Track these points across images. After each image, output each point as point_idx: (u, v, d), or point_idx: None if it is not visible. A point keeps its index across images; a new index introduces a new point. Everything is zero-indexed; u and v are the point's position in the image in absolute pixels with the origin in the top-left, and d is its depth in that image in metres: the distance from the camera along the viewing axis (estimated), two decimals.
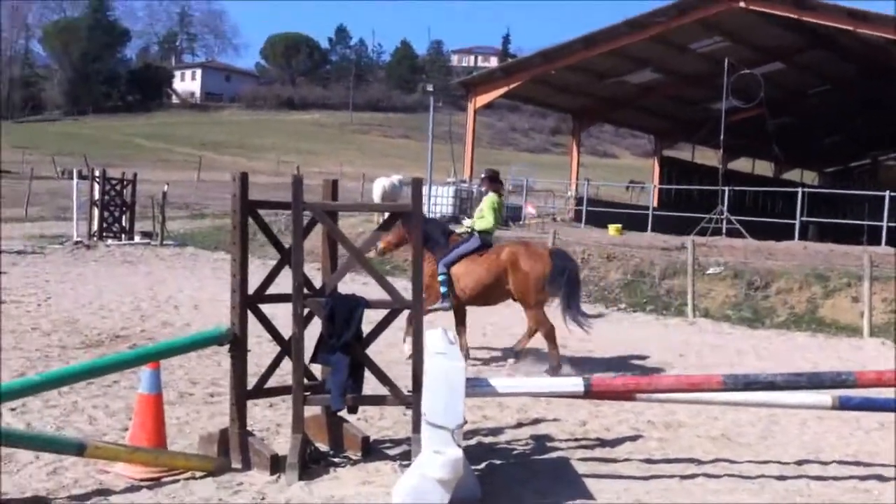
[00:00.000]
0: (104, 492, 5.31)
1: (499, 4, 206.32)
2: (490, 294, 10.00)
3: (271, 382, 6.41)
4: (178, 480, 5.56)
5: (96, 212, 21.32)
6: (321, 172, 61.22)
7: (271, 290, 6.39)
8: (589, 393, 5.36)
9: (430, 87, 26.10)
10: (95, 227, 21.23)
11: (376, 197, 22.97)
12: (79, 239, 20.75)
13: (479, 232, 10.12)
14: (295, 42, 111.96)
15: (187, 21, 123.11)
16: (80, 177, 25.16)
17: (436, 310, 9.96)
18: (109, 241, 20.90)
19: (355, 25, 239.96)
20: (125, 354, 5.67)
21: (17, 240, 21.68)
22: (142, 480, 5.50)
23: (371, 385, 6.31)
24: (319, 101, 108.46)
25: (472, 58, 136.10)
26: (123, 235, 21.43)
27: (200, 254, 20.44)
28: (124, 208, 21.67)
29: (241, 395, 5.98)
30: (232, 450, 5.91)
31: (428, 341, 5.75)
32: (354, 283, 12.54)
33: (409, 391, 6.03)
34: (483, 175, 10.98)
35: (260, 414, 7.36)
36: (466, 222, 10.70)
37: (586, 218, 27.61)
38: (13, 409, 6.88)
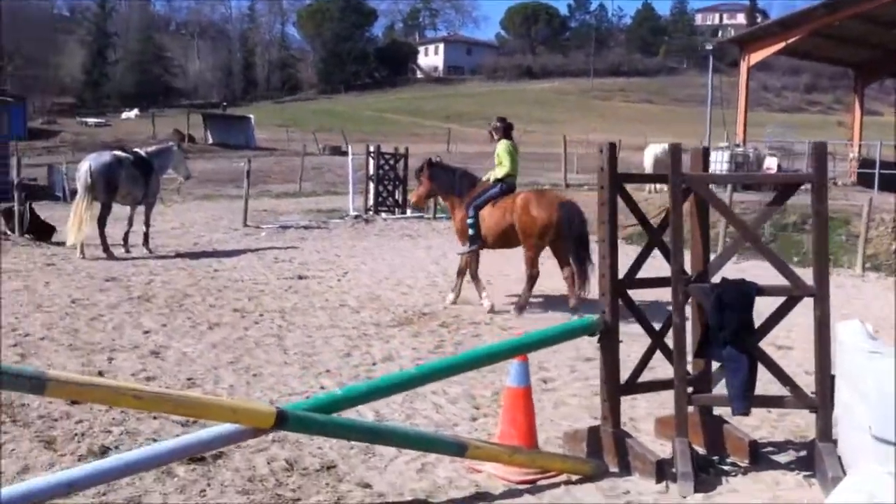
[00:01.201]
0: (484, 496, 4.89)
1: None
2: (507, 236, 10.61)
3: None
4: (557, 485, 5.06)
5: (371, 186, 21.75)
6: (569, 141, 60.64)
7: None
8: None
9: (708, 46, 24.46)
10: (371, 201, 21.67)
11: (648, 166, 21.99)
12: (356, 213, 21.27)
13: (502, 178, 10.71)
14: (534, 11, 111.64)
15: None
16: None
17: (467, 252, 10.80)
18: (384, 215, 21.27)
19: None
20: (494, 346, 5.25)
21: (296, 214, 22.62)
22: (518, 483, 5.04)
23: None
24: (559, 69, 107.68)
25: (717, 16, 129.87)
26: (397, 209, 21.74)
27: None
28: (397, 182, 21.98)
29: (614, 390, 5.39)
30: (605, 451, 5.33)
31: (843, 335, 4.87)
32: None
33: (812, 393, 5.19)
34: (495, 124, 11.17)
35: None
36: (490, 175, 11.03)
37: (868, 181, 25.06)
38: None
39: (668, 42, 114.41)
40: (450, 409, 6.64)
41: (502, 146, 10.83)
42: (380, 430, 4.46)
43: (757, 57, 25.90)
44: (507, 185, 10.72)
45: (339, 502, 4.71)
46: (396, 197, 21.96)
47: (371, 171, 21.84)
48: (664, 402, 6.63)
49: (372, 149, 22.26)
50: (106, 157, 14.20)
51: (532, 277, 10.43)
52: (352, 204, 22.15)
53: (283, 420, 4.21)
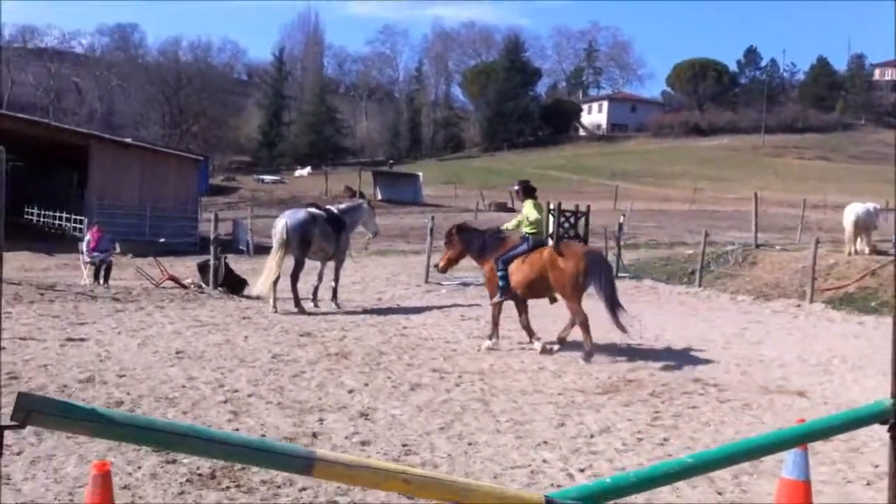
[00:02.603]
0: None
1: None
2: (535, 287, 11.29)
3: None
4: None
5: (551, 243, 21.28)
6: (737, 199, 58.45)
7: None
8: None
9: None
10: None
11: (848, 224, 20.57)
12: None
13: (530, 234, 11.42)
14: (702, 67, 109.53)
15: (594, 56, 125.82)
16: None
17: (498, 301, 11.42)
18: None
19: (766, 46, 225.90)
20: (774, 435, 4.62)
21: (472, 270, 22.32)
22: None
23: None
24: (728, 126, 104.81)
25: None
26: None
27: (659, 287, 19.52)
28: (579, 240, 21.39)
29: None
30: None
31: None
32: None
33: None
34: (517, 188, 12.12)
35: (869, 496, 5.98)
36: (508, 225, 12.16)
37: None
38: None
39: (845, 97, 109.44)
40: (688, 492, 6.00)
41: (528, 206, 11.57)
42: None
43: None
44: (535, 242, 11.40)
45: None
46: None
47: (551, 229, 21.36)
48: None
49: (553, 205, 21.81)
50: (301, 214, 14.41)
51: (583, 324, 10.94)
52: None
53: None
